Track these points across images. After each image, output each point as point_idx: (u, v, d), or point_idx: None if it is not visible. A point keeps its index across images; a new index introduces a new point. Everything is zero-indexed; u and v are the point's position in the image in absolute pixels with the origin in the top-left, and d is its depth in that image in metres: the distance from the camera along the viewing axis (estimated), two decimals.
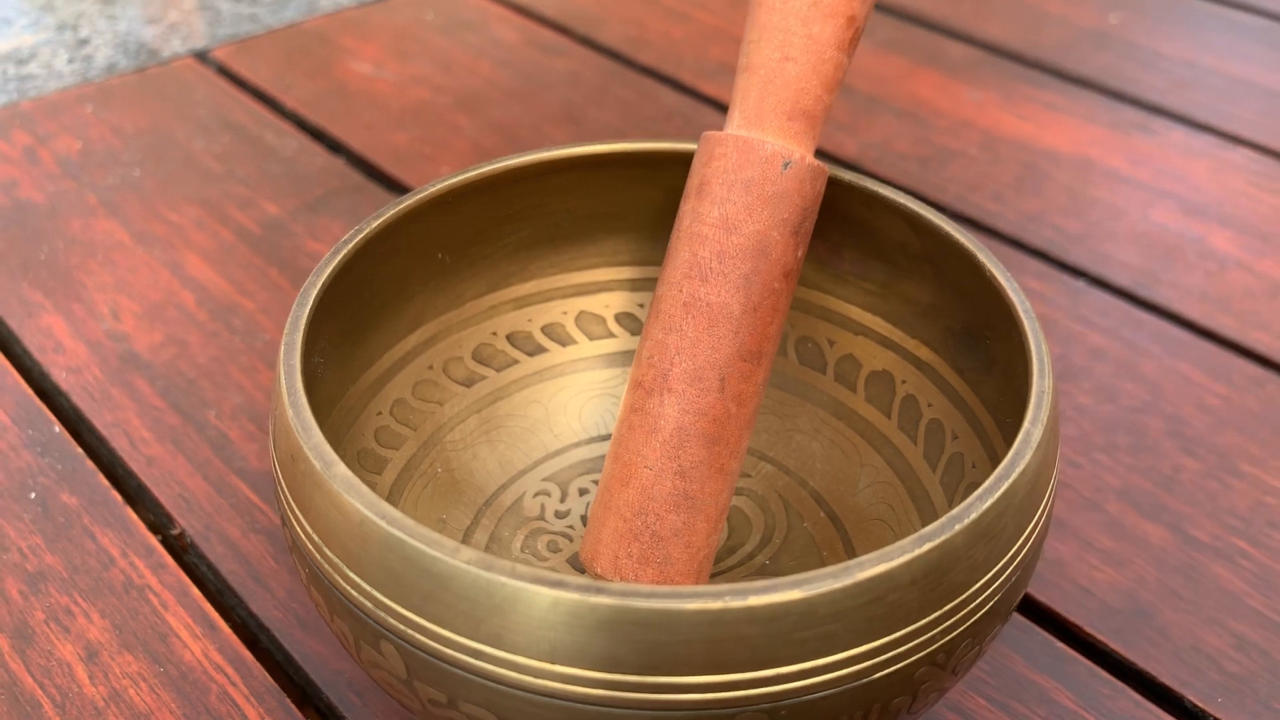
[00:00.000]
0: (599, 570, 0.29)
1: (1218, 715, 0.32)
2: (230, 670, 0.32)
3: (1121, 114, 0.59)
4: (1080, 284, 0.47)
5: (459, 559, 0.20)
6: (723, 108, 0.59)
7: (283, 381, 0.24)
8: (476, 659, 0.21)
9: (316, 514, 0.22)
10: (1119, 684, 0.32)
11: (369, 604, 0.22)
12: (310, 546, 0.23)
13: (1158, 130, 0.58)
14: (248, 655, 0.33)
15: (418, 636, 0.21)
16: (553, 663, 0.20)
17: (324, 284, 0.27)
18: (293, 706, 0.31)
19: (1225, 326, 0.45)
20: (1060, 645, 0.33)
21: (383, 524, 0.21)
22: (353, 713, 0.31)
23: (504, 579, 0.20)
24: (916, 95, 0.60)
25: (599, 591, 0.20)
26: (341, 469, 0.22)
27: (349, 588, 0.22)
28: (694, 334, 0.28)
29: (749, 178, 0.28)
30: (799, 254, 0.29)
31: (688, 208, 0.29)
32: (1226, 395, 0.42)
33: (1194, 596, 0.35)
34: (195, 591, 0.35)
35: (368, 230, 0.28)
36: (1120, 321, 0.45)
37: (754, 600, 0.20)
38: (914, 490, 0.31)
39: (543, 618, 0.20)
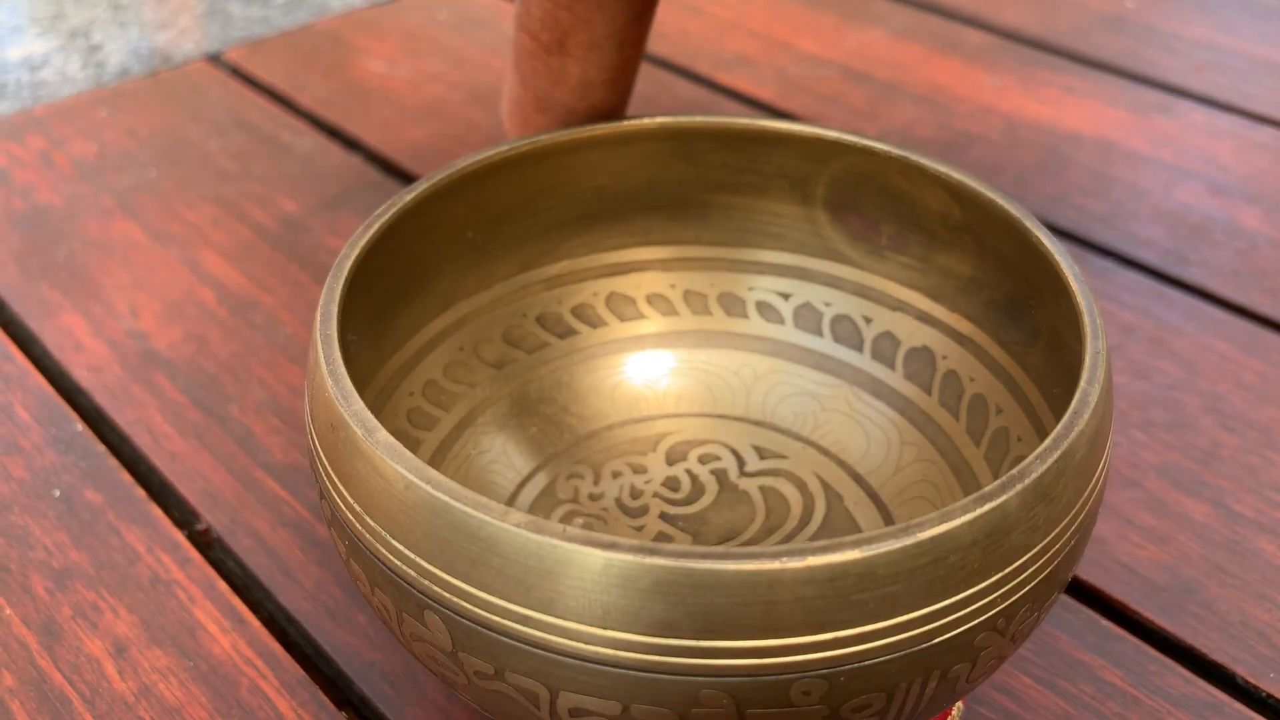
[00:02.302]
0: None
1: (1270, 690, 0.31)
2: (260, 663, 0.32)
3: (1142, 96, 0.58)
4: (1108, 264, 0.47)
5: (508, 521, 0.20)
6: (742, 98, 0.59)
7: (320, 351, 0.24)
8: (525, 625, 0.20)
9: (358, 482, 0.22)
10: (1167, 660, 0.32)
11: (413, 573, 0.21)
12: (351, 517, 0.22)
13: (1179, 112, 0.57)
14: (278, 648, 0.32)
15: (464, 605, 0.20)
16: (605, 628, 0.20)
17: (358, 256, 0.26)
18: (325, 699, 0.31)
19: (1259, 303, 0.45)
20: (1106, 623, 0.33)
21: (428, 488, 0.20)
22: (386, 703, 0.31)
23: (555, 541, 0.19)
24: (935, 82, 0.60)
25: (653, 553, 0.19)
26: (384, 434, 0.21)
27: (392, 556, 0.21)
28: (585, 12, 0.29)
29: None
30: None
31: None
32: (1264, 371, 0.41)
33: (1240, 571, 0.34)
34: (223, 585, 0.34)
35: (400, 204, 0.28)
36: (1150, 300, 0.45)
37: (812, 560, 0.19)
38: (957, 467, 0.30)
39: (595, 581, 0.19)
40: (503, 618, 0.20)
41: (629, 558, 0.19)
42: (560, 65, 0.31)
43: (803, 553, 0.19)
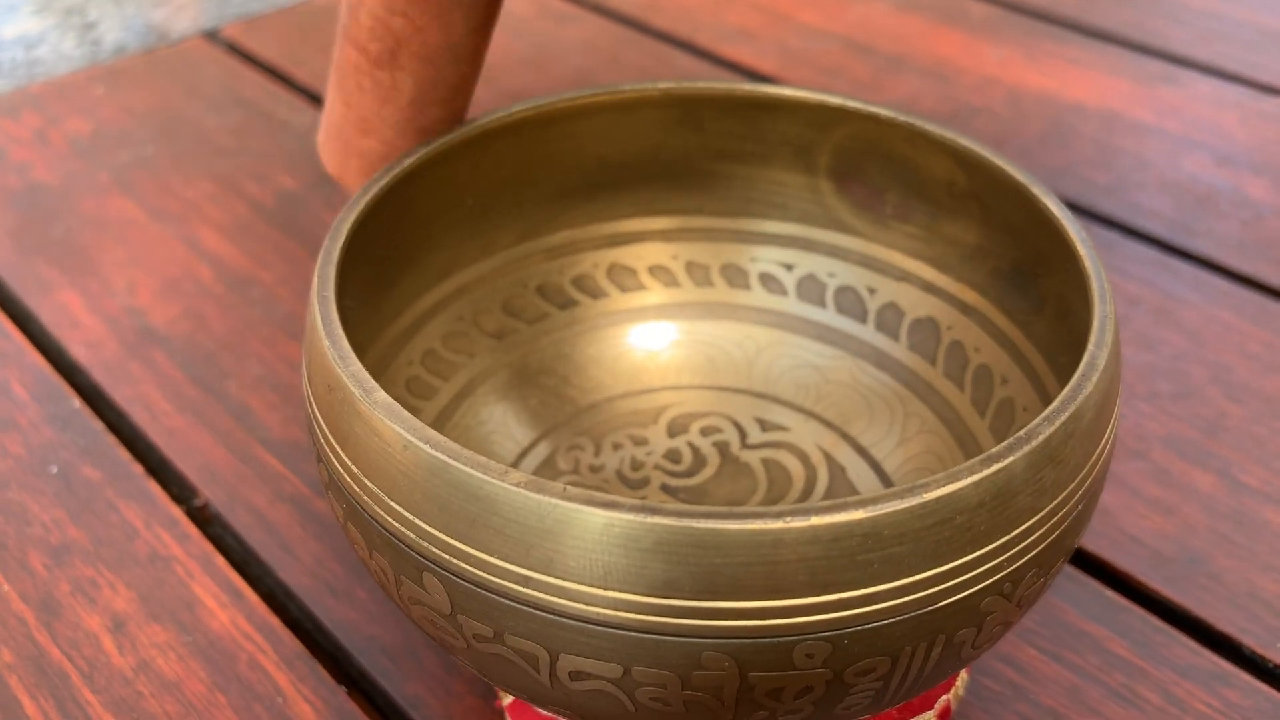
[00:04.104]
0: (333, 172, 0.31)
1: (1277, 660, 0.31)
2: (259, 638, 0.32)
3: (1146, 67, 0.58)
4: (1113, 235, 0.46)
5: (508, 481, 0.19)
6: (743, 71, 0.58)
7: (317, 312, 0.23)
8: (525, 586, 0.20)
9: (355, 443, 0.22)
10: (1174, 631, 0.31)
11: (411, 534, 0.21)
12: (349, 479, 0.22)
13: (1185, 82, 0.56)
14: (276, 623, 0.32)
15: (463, 566, 0.20)
16: (606, 588, 0.19)
17: (356, 219, 0.26)
18: (324, 673, 0.31)
19: (1265, 274, 0.44)
20: (1111, 594, 0.32)
21: (427, 448, 0.20)
22: (386, 678, 0.31)
23: (556, 500, 0.19)
24: (939, 54, 0.59)
25: (654, 512, 0.19)
26: (382, 395, 0.21)
27: (390, 518, 0.21)
28: (423, 21, 0.27)
29: None
30: None
31: None
32: (1270, 341, 0.41)
33: (1247, 542, 0.34)
34: (221, 561, 0.34)
35: (399, 169, 0.27)
36: (1156, 271, 0.44)
37: (816, 520, 0.19)
38: (962, 438, 0.30)
39: (596, 540, 0.19)
40: (502, 579, 0.20)
41: (630, 517, 0.19)
42: (391, 80, 0.28)
43: (807, 512, 0.19)
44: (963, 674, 0.29)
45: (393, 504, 0.21)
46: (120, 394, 0.40)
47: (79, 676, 0.31)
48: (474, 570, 0.20)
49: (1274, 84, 0.56)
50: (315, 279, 0.24)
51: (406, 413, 0.21)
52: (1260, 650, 0.31)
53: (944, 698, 0.28)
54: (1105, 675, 0.30)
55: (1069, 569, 0.33)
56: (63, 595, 0.33)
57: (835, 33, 0.61)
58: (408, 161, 0.28)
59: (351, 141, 0.30)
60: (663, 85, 0.31)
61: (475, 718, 0.30)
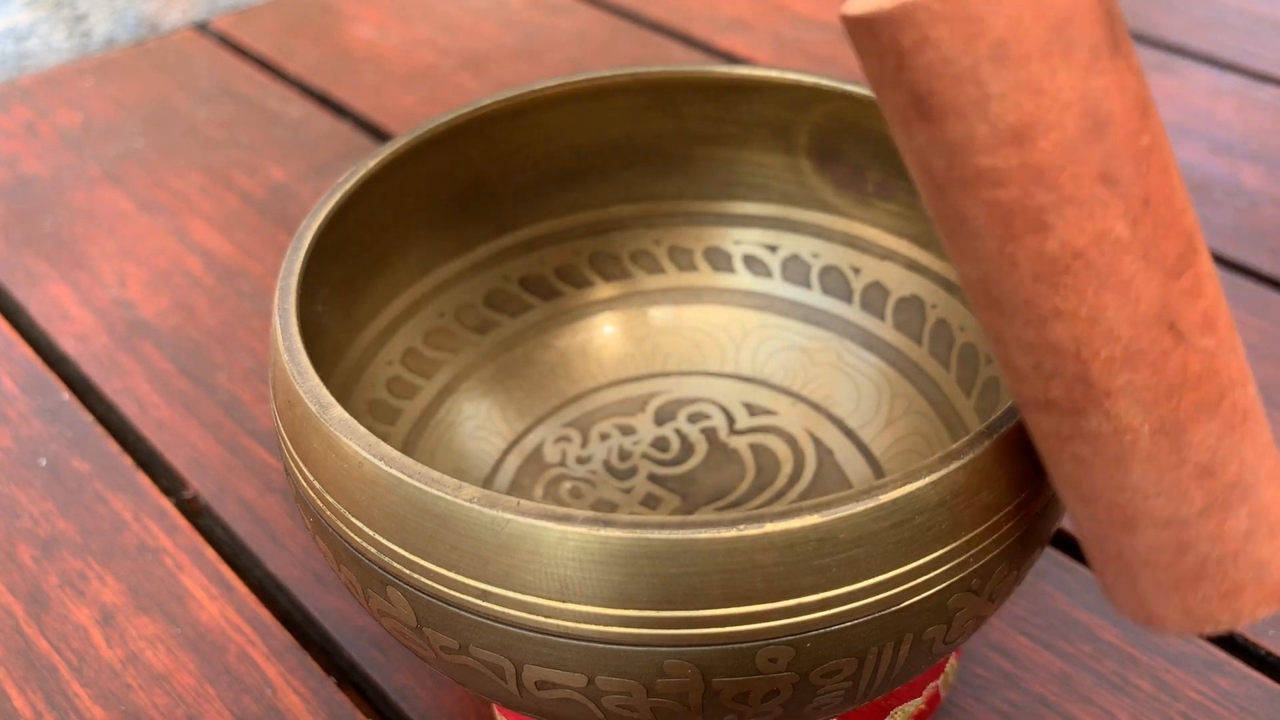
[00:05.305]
0: (1175, 631, 0.20)
1: (1269, 648, 0.30)
2: (249, 630, 0.32)
3: (1141, 55, 0.57)
4: None
5: (460, 497, 0.19)
6: (737, 62, 0.58)
7: (278, 327, 0.23)
8: (485, 600, 0.20)
9: (316, 459, 0.21)
10: None
11: (374, 550, 0.21)
12: (312, 494, 0.22)
13: (1179, 71, 0.56)
14: (266, 614, 0.32)
15: (424, 581, 0.20)
16: (564, 601, 0.19)
17: (319, 228, 0.25)
18: (314, 664, 0.31)
19: (1260, 262, 0.44)
20: None
21: (381, 465, 0.20)
22: (375, 669, 0.31)
23: (508, 515, 0.19)
24: None
25: (607, 525, 0.19)
26: (338, 411, 0.21)
27: (353, 534, 0.21)
28: (1087, 308, 0.17)
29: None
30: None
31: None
32: (1266, 330, 0.41)
33: None
34: (210, 553, 0.34)
35: (363, 172, 0.27)
36: None
37: (770, 527, 0.18)
38: (948, 418, 0.30)
39: (551, 554, 0.19)
40: (463, 593, 0.20)
41: (583, 530, 0.19)
42: (1107, 419, 0.18)
43: (760, 519, 0.18)
44: (952, 661, 0.29)
45: (354, 520, 0.21)
46: (110, 386, 0.40)
47: (68, 669, 0.31)
48: (435, 585, 0.20)
49: (1270, 72, 0.56)
50: (277, 291, 0.24)
51: (363, 429, 0.21)
52: (1252, 638, 0.31)
53: (932, 684, 0.28)
54: (1096, 663, 0.30)
55: (1059, 556, 0.33)
56: (51, 588, 0.33)
57: (829, 22, 0.61)
58: (371, 163, 0.28)
59: (1121, 555, 0.20)
60: (633, 70, 0.31)
61: (465, 708, 0.30)
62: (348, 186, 0.27)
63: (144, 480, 0.36)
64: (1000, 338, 0.18)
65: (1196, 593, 0.19)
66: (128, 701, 0.30)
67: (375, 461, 0.20)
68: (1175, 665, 0.30)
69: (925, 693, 0.28)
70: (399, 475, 0.20)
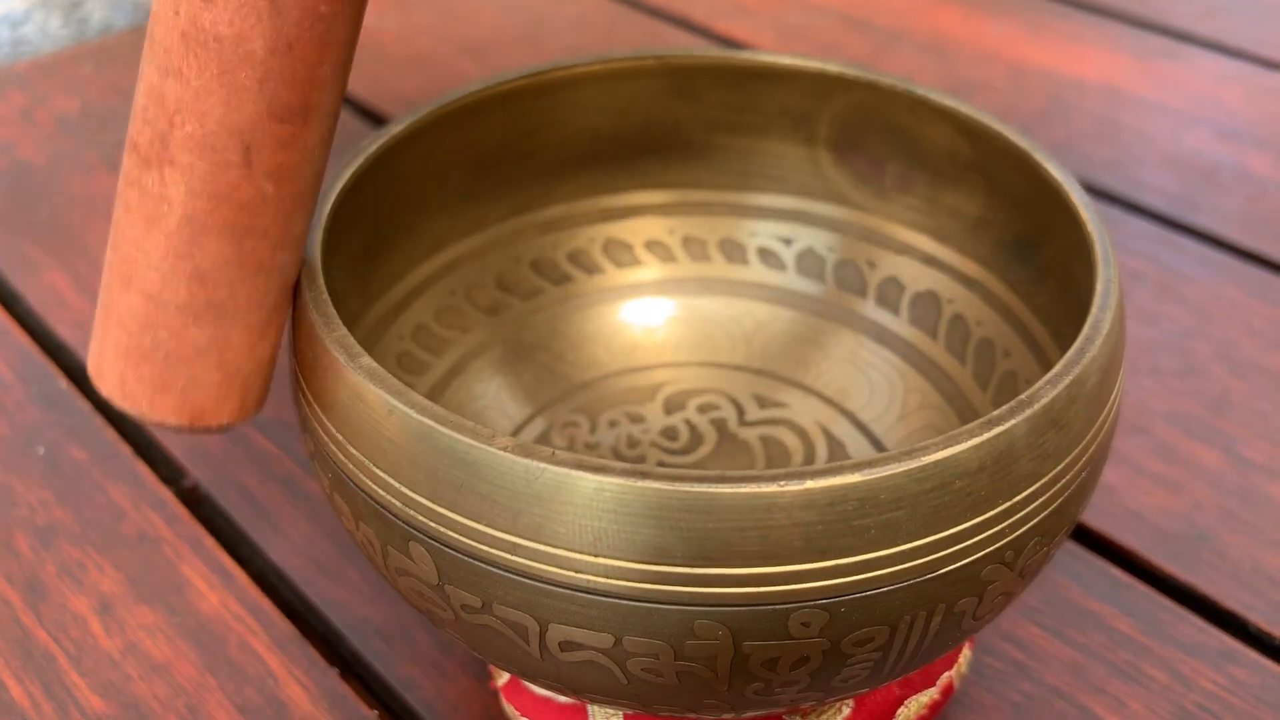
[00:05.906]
0: (105, 393, 0.23)
1: None
2: (250, 619, 0.31)
3: (1148, 42, 0.57)
4: (1115, 211, 0.46)
5: (495, 445, 0.19)
6: (739, 47, 0.57)
7: (303, 278, 0.23)
8: (513, 554, 0.19)
9: (340, 411, 0.21)
10: (1179, 609, 0.31)
11: (397, 502, 0.20)
12: (334, 448, 0.21)
13: (1187, 57, 0.56)
14: (267, 604, 0.32)
15: (450, 534, 0.20)
16: (596, 555, 0.19)
17: (343, 189, 0.25)
18: (316, 654, 0.30)
19: (1269, 249, 0.44)
20: (1116, 571, 0.32)
21: (412, 413, 0.19)
22: (379, 659, 0.30)
23: (544, 465, 0.19)
24: (938, 29, 0.59)
25: (645, 475, 0.18)
26: (367, 359, 0.21)
27: (375, 486, 0.20)
28: (200, 82, 0.20)
29: None
30: None
31: None
32: (1275, 317, 0.40)
33: (1252, 518, 0.33)
34: (210, 541, 0.33)
35: (386, 138, 0.27)
36: (1158, 247, 0.44)
37: (812, 484, 0.18)
38: (964, 413, 0.29)
39: (586, 505, 0.18)
40: (490, 546, 0.19)
41: (621, 481, 0.18)
42: (160, 183, 0.21)
43: (802, 475, 0.18)
44: (965, 651, 0.28)
45: (378, 471, 0.20)
46: None
47: (66, 659, 0.30)
48: (461, 538, 0.20)
49: (1277, 59, 0.55)
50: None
51: (391, 377, 0.20)
52: (1266, 627, 0.30)
53: (946, 674, 0.27)
54: (1110, 653, 0.30)
55: (1073, 546, 0.33)
56: (49, 577, 0.32)
57: (832, 8, 0.61)
58: (395, 130, 0.27)
59: (116, 300, 0.22)
60: (657, 54, 0.30)
61: (469, 699, 0.29)
62: (370, 152, 0.27)
63: (143, 469, 0.36)
64: (145, 73, 0.21)
65: (136, 371, 0.22)
66: (127, 692, 0.29)
67: (405, 409, 0.20)
68: (1190, 655, 0.30)
69: (940, 682, 0.27)
70: (430, 423, 0.19)
